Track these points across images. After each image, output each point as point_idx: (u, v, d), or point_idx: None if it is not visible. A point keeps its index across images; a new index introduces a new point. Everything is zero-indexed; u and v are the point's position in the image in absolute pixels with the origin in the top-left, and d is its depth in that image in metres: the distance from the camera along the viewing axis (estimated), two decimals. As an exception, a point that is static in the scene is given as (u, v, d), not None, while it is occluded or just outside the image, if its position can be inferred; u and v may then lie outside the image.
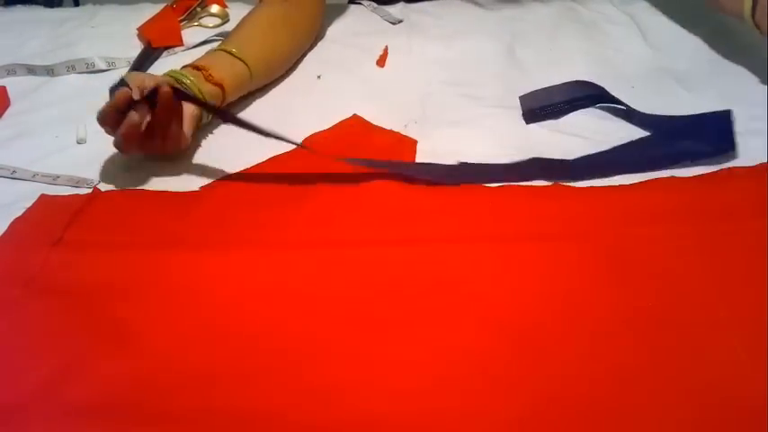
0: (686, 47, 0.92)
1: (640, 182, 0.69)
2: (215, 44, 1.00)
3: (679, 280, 0.57)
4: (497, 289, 0.59)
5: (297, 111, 0.87)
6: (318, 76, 0.92)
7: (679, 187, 0.67)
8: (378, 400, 0.51)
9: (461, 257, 0.62)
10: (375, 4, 1.07)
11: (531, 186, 0.70)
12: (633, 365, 0.51)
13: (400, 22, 1.03)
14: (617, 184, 0.69)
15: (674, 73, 0.88)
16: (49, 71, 0.96)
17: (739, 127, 0.75)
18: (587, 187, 0.69)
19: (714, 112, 0.72)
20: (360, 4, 1.09)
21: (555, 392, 0.50)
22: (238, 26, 0.90)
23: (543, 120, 0.81)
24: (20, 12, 1.18)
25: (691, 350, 0.52)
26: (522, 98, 0.82)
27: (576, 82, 0.83)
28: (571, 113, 0.81)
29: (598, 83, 0.85)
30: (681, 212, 0.64)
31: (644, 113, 0.77)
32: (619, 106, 0.79)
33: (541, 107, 0.81)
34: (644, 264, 0.59)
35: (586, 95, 0.81)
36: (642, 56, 0.92)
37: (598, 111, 0.81)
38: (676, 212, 0.64)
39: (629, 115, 0.78)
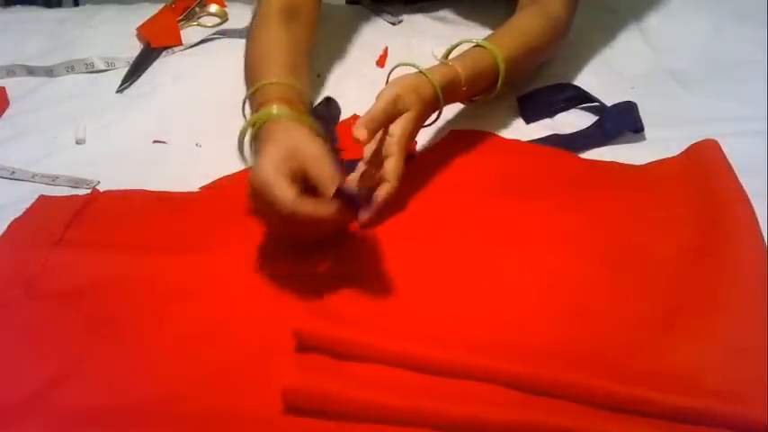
0: (686, 47, 0.92)
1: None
2: (215, 42, 1.01)
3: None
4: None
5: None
6: (318, 75, 0.92)
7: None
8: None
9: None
10: (374, 5, 1.07)
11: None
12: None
13: (400, 22, 1.03)
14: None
15: (674, 73, 0.88)
16: (49, 72, 0.96)
17: (739, 127, 0.75)
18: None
19: (623, 102, 0.79)
20: (359, 4, 1.09)
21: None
22: (269, 59, 0.76)
23: (540, 118, 0.81)
24: (20, 12, 1.18)
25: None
26: (520, 99, 0.83)
27: (565, 84, 0.85)
28: (562, 113, 0.82)
29: (598, 83, 0.85)
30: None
31: (607, 108, 0.79)
32: (595, 104, 0.81)
33: (538, 107, 0.82)
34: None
35: (576, 95, 0.83)
36: (642, 56, 0.92)
37: (582, 110, 0.82)
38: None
39: (601, 111, 0.80)
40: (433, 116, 0.72)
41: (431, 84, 0.69)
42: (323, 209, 0.57)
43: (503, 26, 0.80)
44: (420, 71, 0.70)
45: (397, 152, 0.65)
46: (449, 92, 0.71)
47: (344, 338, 0.52)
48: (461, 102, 0.80)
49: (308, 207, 0.57)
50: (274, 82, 0.71)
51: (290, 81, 0.72)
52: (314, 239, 0.62)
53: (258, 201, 0.60)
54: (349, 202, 0.57)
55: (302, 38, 0.81)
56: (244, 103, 0.73)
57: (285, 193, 0.57)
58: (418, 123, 0.68)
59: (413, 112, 0.67)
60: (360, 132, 0.60)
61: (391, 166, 0.65)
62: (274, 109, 0.67)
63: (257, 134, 0.67)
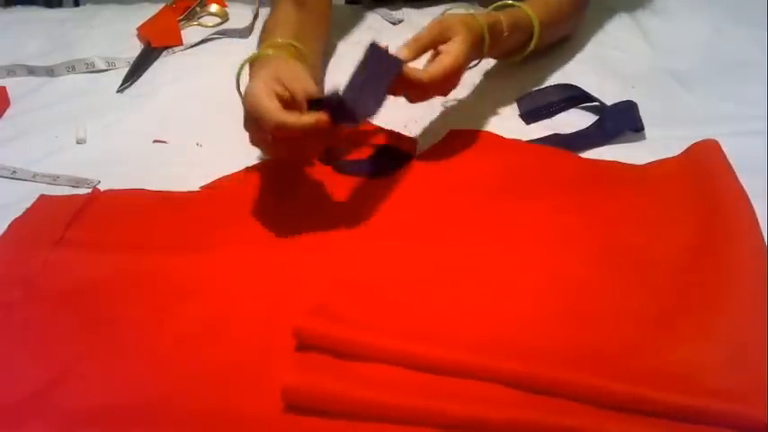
0: (686, 47, 0.92)
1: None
2: (216, 42, 1.01)
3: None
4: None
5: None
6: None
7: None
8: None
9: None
10: (374, 4, 1.07)
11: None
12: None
13: (401, 22, 1.03)
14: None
15: (674, 73, 0.88)
16: (49, 72, 0.96)
17: (739, 127, 0.75)
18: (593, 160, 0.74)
19: (623, 102, 0.79)
20: (360, 3, 1.09)
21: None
22: (276, 27, 0.80)
23: (540, 120, 0.81)
24: (20, 12, 1.18)
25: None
26: (520, 100, 0.83)
27: (565, 85, 0.85)
28: (562, 113, 0.82)
29: (598, 83, 0.85)
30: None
31: (607, 107, 0.79)
32: (595, 103, 0.81)
33: (538, 107, 0.82)
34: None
35: (576, 95, 0.83)
36: (642, 56, 0.92)
37: (582, 109, 0.83)
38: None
39: (601, 110, 0.81)
40: (475, 60, 0.75)
41: (477, 21, 0.72)
42: (306, 118, 0.61)
43: None
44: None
45: (445, 60, 0.68)
46: (493, 34, 0.74)
47: (345, 338, 0.52)
48: (499, 55, 0.83)
49: (292, 117, 0.60)
50: (278, 41, 0.74)
51: (294, 42, 0.74)
52: (304, 156, 0.67)
53: (250, 119, 0.63)
54: (334, 112, 0.61)
55: (308, 25, 0.82)
56: (241, 68, 0.73)
57: (271, 104, 0.61)
58: (468, 50, 0.70)
59: (461, 37, 0.69)
60: (401, 51, 0.67)
61: (433, 65, 0.68)
62: (269, 51, 0.71)
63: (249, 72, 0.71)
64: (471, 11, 0.76)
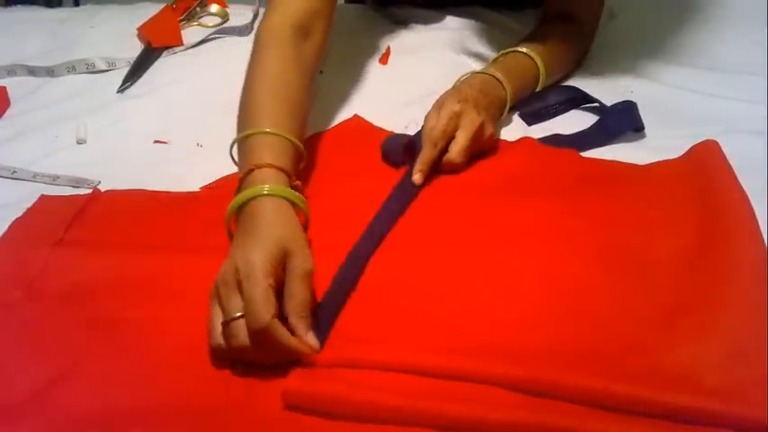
0: (686, 47, 0.92)
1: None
2: (216, 42, 1.01)
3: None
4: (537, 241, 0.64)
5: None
6: (320, 72, 0.92)
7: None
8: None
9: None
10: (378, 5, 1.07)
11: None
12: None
13: (404, 22, 1.03)
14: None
15: (675, 73, 0.88)
16: (50, 72, 0.96)
17: (739, 127, 0.75)
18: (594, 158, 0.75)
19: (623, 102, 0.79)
20: (362, 3, 1.09)
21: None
22: (281, 98, 0.70)
23: (541, 121, 0.82)
24: (20, 12, 1.18)
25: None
26: (521, 102, 0.83)
27: (565, 86, 0.86)
28: (562, 114, 0.83)
29: (598, 85, 0.85)
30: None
31: (607, 108, 0.80)
32: (596, 104, 0.82)
33: (539, 109, 0.82)
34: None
35: (577, 96, 0.83)
36: (641, 57, 0.92)
37: (583, 110, 0.83)
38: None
39: (602, 111, 0.81)
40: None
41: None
42: (304, 346, 0.53)
43: (543, 36, 0.84)
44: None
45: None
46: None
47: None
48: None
49: (290, 339, 0.53)
50: (268, 131, 0.65)
51: (284, 132, 0.66)
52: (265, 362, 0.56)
53: (229, 296, 0.55)
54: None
55: (311, 60, 0.76)
56: (232, 146, 0.67)
57: (272, 318, 0.52)
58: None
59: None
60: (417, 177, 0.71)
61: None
62: (265, 189, 0.60)
63: (243, 209, 0.61)
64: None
